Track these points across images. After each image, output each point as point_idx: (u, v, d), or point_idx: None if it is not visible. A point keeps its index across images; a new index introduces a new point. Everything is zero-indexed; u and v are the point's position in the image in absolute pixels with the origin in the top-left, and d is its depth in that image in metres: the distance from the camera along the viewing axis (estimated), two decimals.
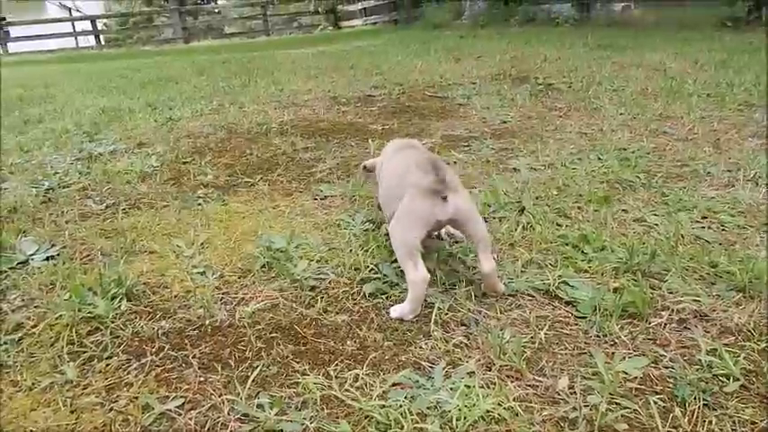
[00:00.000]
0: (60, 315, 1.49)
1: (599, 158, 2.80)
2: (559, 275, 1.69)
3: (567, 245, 1.88)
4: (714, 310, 1.53)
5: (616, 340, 1.41)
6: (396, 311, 1.51)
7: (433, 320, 1.47)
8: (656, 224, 2.05)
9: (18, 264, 1.86)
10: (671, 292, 1.62)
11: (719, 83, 4.39)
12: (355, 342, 1.42)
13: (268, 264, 1.79)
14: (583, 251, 1.85)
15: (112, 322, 1.49)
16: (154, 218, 2.22)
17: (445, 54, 6.83)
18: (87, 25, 18.38)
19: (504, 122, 3.61)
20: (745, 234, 1.98)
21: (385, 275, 1.70)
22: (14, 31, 17.61)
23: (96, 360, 1.36)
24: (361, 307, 1.56)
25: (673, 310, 1.53)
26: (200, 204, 2.37)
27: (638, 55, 6.08)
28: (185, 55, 10.66)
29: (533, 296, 1.62)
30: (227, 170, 2.83)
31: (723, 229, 2.04)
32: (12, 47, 16.88)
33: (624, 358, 1.33)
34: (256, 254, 1.84)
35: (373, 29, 16.14)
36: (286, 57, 8.42)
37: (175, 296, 1.65)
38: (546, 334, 1.43)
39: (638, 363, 1.31)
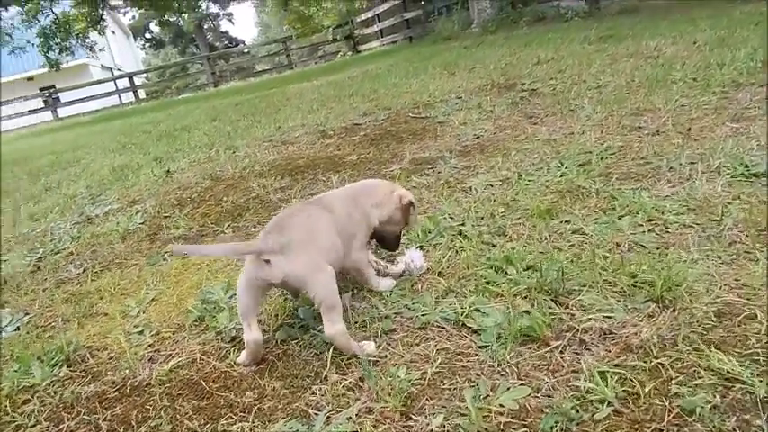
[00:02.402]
0: (2, 387, 1.61)
1: (558, 166, 2.76)
2: (472, 302, 1.68)
3: (491, 268, 1.87)
4: (624, 326, 1.49)
5: (507, 369, 1.39)
6: (238, 358, 1.59)
7: (328, 363, 1.50)
8: (593, 234, 2.01)
9: None
10: (584, 310, 1.58)
11: (710, 64, 4.22)
12: (255, 392, 1.46)
13: (200, 317, 1.86)
14: (506, 273, 1.84)
15: (45, 390, 1.59)
16: (118, 278, 2.35)
17: (441, 69, 6.84)
18: (127, 82, 19.44)
19: (477, 137, 3.59)
20: (687, 234, 1.92)
21: (302, 319, 1.74)
22: (63, 97, 18.84)
23: (22, 429, 1.46)
24: (272, 354, 1.60)
25: (577, 330, 1.50)
26: (165, 259, 2.48)
27: (635, 43, 5.91)
28: (209, 100, 11.10)
29: (443, 327, 1.62)
30: (200, 220, 2.95)
31: (666, 232, 1.98)
32: (62, 112, 18.05)
33: (509, 389, 1.32)
34: (190, 308, 1.92)
35: (388, 49, 16.32)
36: (296, 91, 8.64)
37: (110, 358, 1.75)
38: (441, 368, 1.43)
39: (519, 393, 1.29)
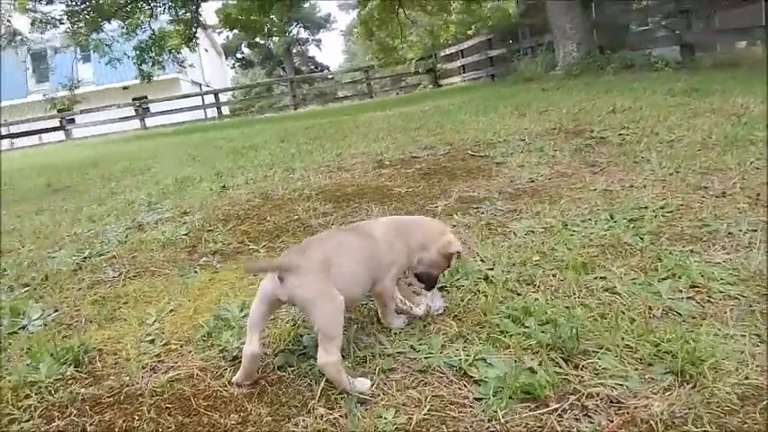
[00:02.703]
0: (9, 379, 1.69)
1: (607, 219, 2.63)
2: (479, 351, 1.61)
3: (507, 317, 1.79)
4: (635, 396, 1.38)
5: (498, 426, 1.32)
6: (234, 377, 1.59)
7: (318, 395, 1.48)
8: (626, 294, 1.89)
9: (19, 328, 2.14)
10: (595, 373, 1.48)
11: None
12: (239, 415, 1.46)
13: (208, 333, 1.89)
14: (523, 324, 1.75)
15: (47, 388, 1.66)
16: (146, 286, 2.44)
17: (513, 109, 6.76)
18: (213, 98, 20.59)
19: (531, 181, 3.50)
20: (729, 306, 1.76)
21: (304, 347, 1.73)
22: (153, 108, 20.20)
23: (16, 423, 1.53)
24: (266, 379, 1.60)
25: (582, 395, 1.40)
26: (195, 272, 2.56)
27: (721, 99, 5.59)
28: (284, 121, 11.53)
29: (444, 373, 1.56)
30: (240, 237, 3.03)
31: (708, 301, 1.83)
32: (149, 122, 19.31)
33: None
34: (201, 322, 1.95)
35: (468, 85, 16.37)
36: (368, 119, 8.81)
37: (116, 363, 1.80)
38: (430, 415, 1.38)
39: None
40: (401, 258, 1.80)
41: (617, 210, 2.75)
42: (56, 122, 21.43)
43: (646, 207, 2.74)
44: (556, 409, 1.35)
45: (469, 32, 20.05)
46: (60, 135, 21.23)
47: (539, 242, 2.46)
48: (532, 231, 2.62)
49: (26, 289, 2.60)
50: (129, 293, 2.36)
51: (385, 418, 1.37)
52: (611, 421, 1.30)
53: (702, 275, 1.97)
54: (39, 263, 2.97)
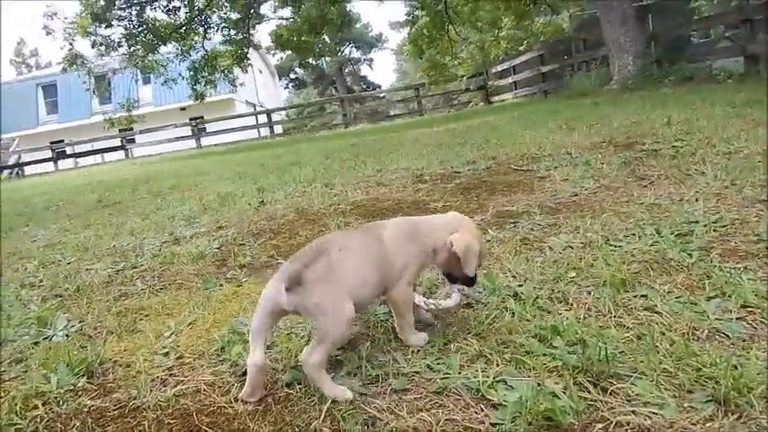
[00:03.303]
0: (21, 388, 1.70)
1: (653, 234, 2.45)
2: (500, 372, 1.50)
3: (534, 336, 1.67)
4: (671, 427, 1.24)
5: None
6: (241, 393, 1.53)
7: (323, 415, 1.40)
8: (668, 313, 1.73)
9: (43, 338, 2.17)
10: (627, 400, 1.34)
11: None
12: None
13: (222, 348, 1.85)
14: (551, 344, 1.63)
15: (56, 399, 1.65)
16: (170, 299, 2.44)
17: (562, 123, 6.56)
18: (266, 118, 21.11)
19: (575, 195, 3.34)
20: None
21: None
22: (209, 127, 20.89)
23: None
24: (273, 396, 1.54)
25: (611, 424, 1.26)
26: (221, 285, 2.55)
27: None
28: (332, 140, 11.66)
29: (461, 396, 1.45)
30: (270, 251, 3.01)
31: (762, 321, 1.65)
32: (205, 141, 19.96)
33: None
34: (216, 336, 1.92)
35: (520, 101, 16.12)
36: (413, 136, 8.77)
37: (128, 376, 1.78)
38: None
39: None
40: (414, 261, 1.72)
41: (664, 224, 2.57)
42: (117, 142, 22.50)
43: (696, 221, 2.55)
44: None
45: (521, 48, 19.81)
46: (121, 154, 22.27)
47: (576, 258, 2.31)
48: (570, 246, 2.48)
49: (57, 300, 2.65)
50: (152, 306, 2.37)
51: None
52: None
53: (756, 294, 1.78)
54: (74, 275, 3.04)
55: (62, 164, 23.11)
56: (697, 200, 2.88)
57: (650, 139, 4.67)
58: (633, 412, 1.29)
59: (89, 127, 28.94)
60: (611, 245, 2.42)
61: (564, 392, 1.36)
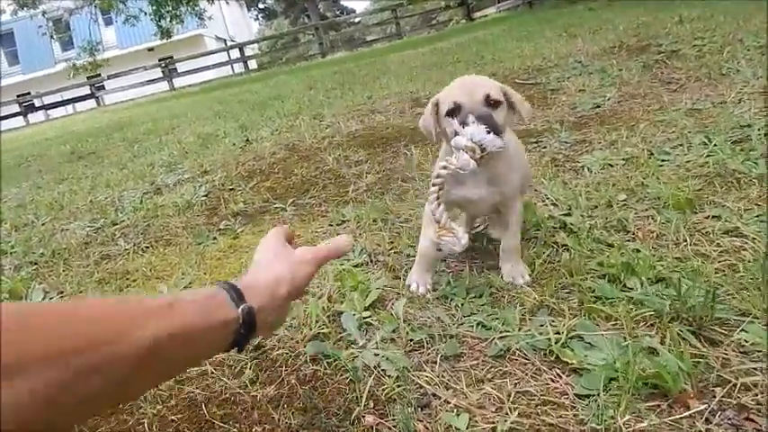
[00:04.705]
0: None
1: (705, 143, 2.13)
2: (573, 326, 1.21)
3: (602, 277, 1.37)
4: None
5: None
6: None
7: (365, 397, 1.11)
8: (757, 237, 1.43)
9: None
10: (743, 353, 1.06)
11: None
12: (264, 428, 1.11)
13: None
14: (625, 286, 1.33)
15: None
16: (159, 258, 2.11)
17: (560, 32, 6.09)
18: (239, 53, 20.00)
19: (597, 106, 2.99)
20: None
21: (344, 330, 1.36)
22: (180, 67, 19.78)
23: None
24: (296, 376, 1.24)
25: (734, 387, 0.99)
26: (214, 238, 2.22)
27: None
28: (311, 69, 11.00)
29: (528, 359, 1.17)
30: (264, 194, 2.66)
31: None
32: (177, 82, 18.95)
33: None
34: None
35: (505, 15, 15.34)
36: (399, 59, 8.22)
37: None
38: (518, 423, 1.00)
39: None
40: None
41: (712, 131, 2.25)
42: (87, 90, 21.37)
43: (749, 125, 2.23)
44: (700, 413, 0.94)
45: None
46: (92, 103, 21.20)
47: (622, 177, 1.99)
48: (610, 165, 2.16)
49: (33, 267, 2.31)
50: (138, 269, 2.03)
51: (456, 428, 1.00)
52: None
53: None
54: (49, 237, 2.69)
55: (33, 117, 22.00)
56: (740, 101, 2.55)
57: (666, 39, 4.27)
58: (756, 370, 1.01)
59: (55, 76, 27.46)
60: (657, 159, 2.10)
61: (664, 348, 1.08)
